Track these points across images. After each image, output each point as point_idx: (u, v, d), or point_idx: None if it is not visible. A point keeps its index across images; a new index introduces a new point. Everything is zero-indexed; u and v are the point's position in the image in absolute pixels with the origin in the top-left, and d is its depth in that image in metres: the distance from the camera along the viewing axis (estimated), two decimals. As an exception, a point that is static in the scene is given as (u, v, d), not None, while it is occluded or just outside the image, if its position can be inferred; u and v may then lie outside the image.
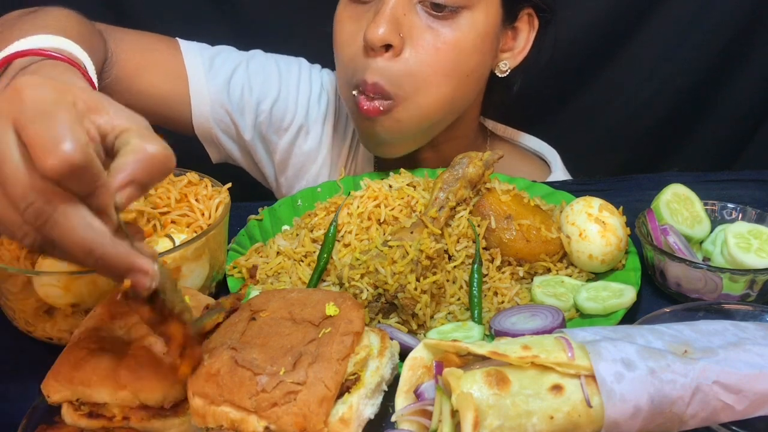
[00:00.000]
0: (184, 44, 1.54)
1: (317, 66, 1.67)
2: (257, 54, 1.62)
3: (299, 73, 1.61)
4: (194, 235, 1.07)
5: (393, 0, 1.29)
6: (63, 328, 1.03)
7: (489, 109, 1.62)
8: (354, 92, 1.36)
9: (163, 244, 1.05)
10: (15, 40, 1.05)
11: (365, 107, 1.34)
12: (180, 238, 1.06)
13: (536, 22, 1.45)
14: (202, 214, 1.12)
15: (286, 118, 1.60)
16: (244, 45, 2.08)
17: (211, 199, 1.14)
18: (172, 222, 1.10)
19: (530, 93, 1.70)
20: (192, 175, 1.20)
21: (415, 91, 1.33)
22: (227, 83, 1.54)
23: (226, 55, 1.58)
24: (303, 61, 1.66)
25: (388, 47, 1.30)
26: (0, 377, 1.03)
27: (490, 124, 1.69)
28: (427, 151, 1.53)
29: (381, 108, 1.33)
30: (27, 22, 1.13)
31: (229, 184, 1.18)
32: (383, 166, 1.61)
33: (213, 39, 2.13)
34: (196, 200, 1.14)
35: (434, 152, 1.53)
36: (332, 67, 1.55)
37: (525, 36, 1.45)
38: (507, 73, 1.46)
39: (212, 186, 1.18)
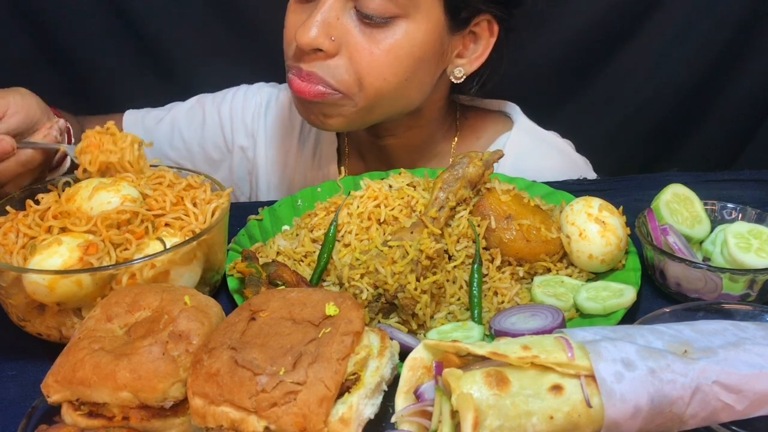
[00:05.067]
0: (126, 118, 1.73)
1: (258, 84, 1.76)
2: (179, 106, 1.75)
3: (231, 101, 1.72)
4: (185, 239, 1.07)
5: (326, 5, 1.31)
6: (51, 325, 1.04)
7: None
8: (289, 74, 1.39)
9: (153, 247, 1.05)
10: None
11: (300, 87, 1.36)
12: (172, 241, 1.06)
13: (496, 29, 1.42)
14: (197, 219, 1.11)
15: (220, 147, 1.72)
16: (244, 45, 2.09)
17: (209, 204, 1.14)
18: (167, 225, 1.09)
19: (530, 93, 1.71)
20: (193, 178, 1.20)
21: (358, 87, 1.34)
22: (161, 141, 1.69)
23: (156, 115, 1.75)
24: (240, 87, 1.76)
25: (318, 50, 1.32)
26: (0, 377, 1.03)
27: (459, 97, 1.68)
28: (389, 138, 1.56)
29: (319, 93, 1.35)
30: None
31: (231, 189, 1.18)
32: (349, 160, 1.66)
33: (213, 39, 2.14)
34: (194, 204, 1.13)
35: (397, 139, 1.56)
36: None
37: (484, 42, 1.44)
38: (462, 79, 1.46)
39: (212, 190, 1.18)
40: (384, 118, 1.46)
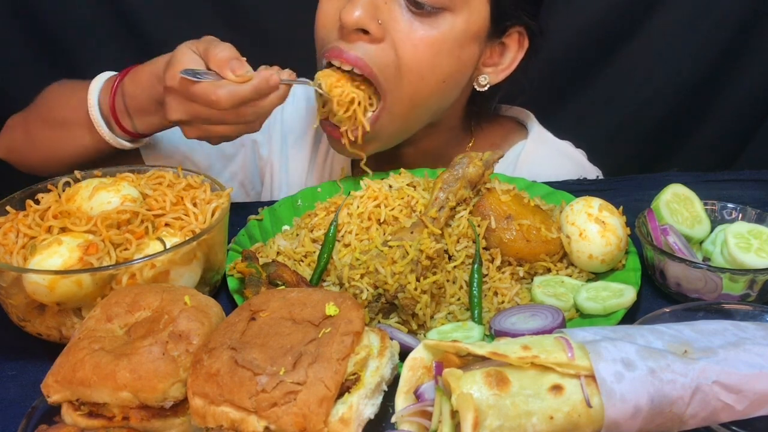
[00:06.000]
0: None
1: None
2: None
3: None
4: (185, 239, 1.07)
5: None
6: (51, 325, 1.04)
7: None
8: (325, 125, 1.38)
9: (153, 247, 1.05)
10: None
11: (331, 132, 1.37)
12: (172, 241, 1.06)
13: (526, 43, 1.42)
14: (197, 219, 1.11)
15: (232, 142, 1.63)
16: (243, 45, 2.07)
17: (209, 204, 1.14)
18: (167, 225, 1.09)
19: (531, 94, 1.70)
20: (193, 178, 1.20)
21: (397, 80, 1.32)
22: (172, 131, 1.59)
23: None
24: None
25: (364, 32, 1.29)
26: (0, 377, 1.03)
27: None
28: (405, 147, 1.54)
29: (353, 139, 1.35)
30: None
31: (231, 189, 1.18)
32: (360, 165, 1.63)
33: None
34: (194, 204, 1.13)
35: (413, 147, 1.54)
36: None
37: (512, 54, 1.43)
38: (485, 88, 1.45)
39: (212, 190, 1.18)
40: (416, 131, 1.44)
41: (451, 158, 1.58)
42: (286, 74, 1.25)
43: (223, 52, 1.22)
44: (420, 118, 1.41)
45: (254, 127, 1.27)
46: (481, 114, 1.65)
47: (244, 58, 1.23)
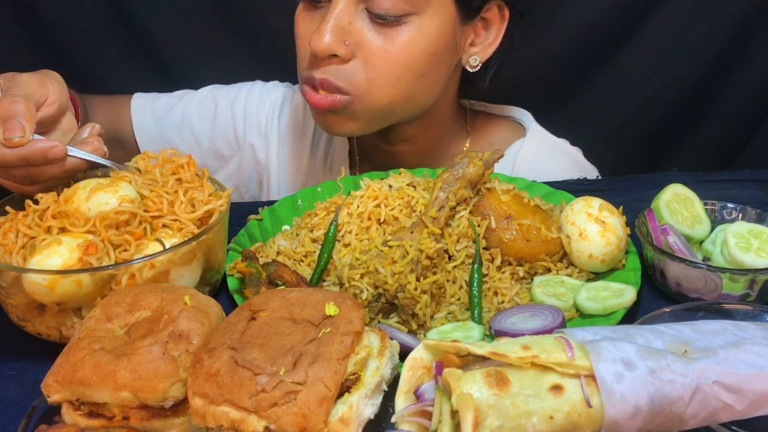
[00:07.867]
0: (134, 101, 1.69)
1: (273, 83, 1.75)
2: (190, 96, 1.71)
3: (246, 98, 1.70)
4: (185, 239, 1.07)
5: (337, 9, 1.31)
6: (51, 325, 1.04)
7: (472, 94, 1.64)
8: (303, 85, 1.40)
9: (152, 248, 1.05)
10: None
11: (314, 100, 1.37)
12: (171, 242, 1.06)
13: (506, 13, 1.43)
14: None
15: (230, 142, 1.69)
16: (243, 45, 2.08)
17: (208, 204, 1.13)
18: (164, 226, 1.09)
19: (530, 93, 1.70)
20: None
21: (367, 89, 1.34)
22: (170, 131, 1.67)
23: (167, 102, 1.70)
24: (255, 84, 1.74)
25: (333, 55, 1.32)
26: (0, 377, 1.03)
27: (467, 102, 1.70)
28: (400, 144, 1.55)
29: (332, 103, 1.35)
30: None
31: (231, 190, 1.18)
32: (361, 165, 1.66)
33: (212, 40, 2.13)
34: (192, 205, 1.13)
35: (408, 145, 1.55)
36: None
37: (496, 28, 1.44)
38: (477, 67, 1.46)
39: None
40: (402, 119, 1.45)
41: (447, 157, 1.59)
42: (90, 148, 1.13)
43: (12, 105, 1.06)
44: (405, 108, 1.42)
45: (34, 190, 1.12)
46: (475, 110, 1.65)
47: (33, 118, 1.07)
